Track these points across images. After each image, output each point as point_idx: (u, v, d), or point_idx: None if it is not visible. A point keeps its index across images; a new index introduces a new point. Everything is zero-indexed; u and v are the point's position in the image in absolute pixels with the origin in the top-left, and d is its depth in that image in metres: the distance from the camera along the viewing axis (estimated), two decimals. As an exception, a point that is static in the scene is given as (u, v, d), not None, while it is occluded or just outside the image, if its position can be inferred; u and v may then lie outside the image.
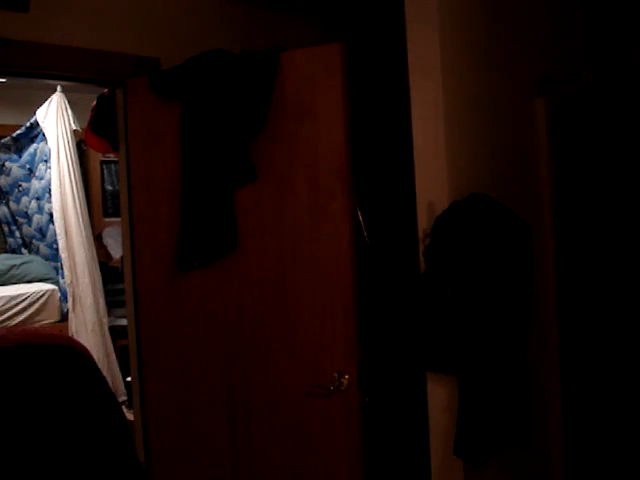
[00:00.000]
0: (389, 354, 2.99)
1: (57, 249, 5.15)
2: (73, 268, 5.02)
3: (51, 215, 5.26)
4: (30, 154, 5.47)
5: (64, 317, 5.18)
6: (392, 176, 3.10)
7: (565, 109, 2.81)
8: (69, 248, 5.03)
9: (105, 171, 6.26)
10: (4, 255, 5.67)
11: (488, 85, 2.50)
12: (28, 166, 5.51)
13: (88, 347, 4.98)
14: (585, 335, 2.79)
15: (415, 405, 2.53)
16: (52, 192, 5.12)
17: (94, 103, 3.20)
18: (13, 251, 5.76)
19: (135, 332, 2.86)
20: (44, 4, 2.50)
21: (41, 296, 5.17)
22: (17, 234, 5.74)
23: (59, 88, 5.04)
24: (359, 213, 2.44)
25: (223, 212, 2.50)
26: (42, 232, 5.56)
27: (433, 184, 2.29)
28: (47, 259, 5.57)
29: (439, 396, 2.32)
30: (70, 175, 5.07)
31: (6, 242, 5.82)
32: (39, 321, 5.13)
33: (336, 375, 2.35)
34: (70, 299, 5.01)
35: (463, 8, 2.39)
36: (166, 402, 2.74)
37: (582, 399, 2.80)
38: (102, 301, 5.13)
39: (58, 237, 5.08)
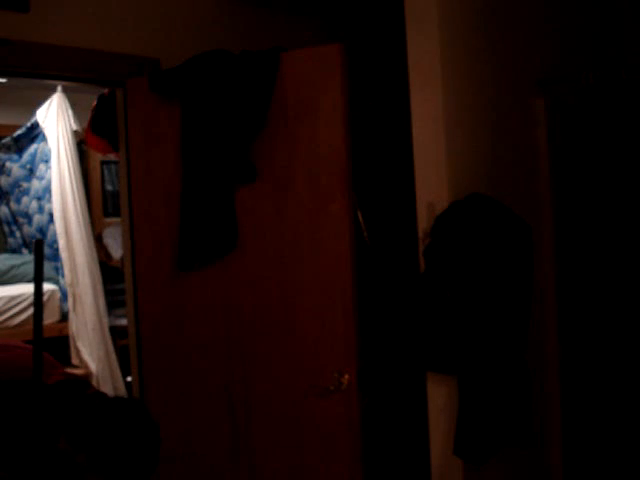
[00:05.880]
0: (389, 354, 2.99)
1: (57, 249, 5.14)
2: (73, 268, 5.01)
3: (51, 215, 5.26)
4: (30, 154, 5.46)
5: (64, 317, 5.18)
6: (392, 176, 3.10)
7: (565, 109, 2.81)
8: (69, 248, 5.03)
9: (105, 171, 6.26)
10: (4, 255, 5.67)
11: (488, 85, 2.50)
12: (29, 166, 5.50)
13: (88, 346, 5.01)
14: (585, 335, 2.79)
15: (415, 405, 2.53)
16: (52, 192, 5.12)
17: (94, 103, 3.20)
18: (14, 251, 5.76)
19: (135, 332, 2.86)
20: (44, 4, 2.51)
21: (41, 296, 5.16)
22: (18, 234, 5.73)
23: (59, 88, 5.03)
24: (359, 213, 2.45)
25: (223, 212, 2.50)
26: (42, 232, 5.55)
27: (433, 184, 2.29)
28: (47, 259, 5.56)
29: (439, 396, 2.33)
30: (70, 175, 5.06)
31: (7, 242, 5.82)
32: (39, 321, 5.13)
33: (336, 375, 2.36)
34: (70, 299, 5.01)
35: (463, 9, 2.40)
36: (166, 402, 2.74)
37: (582, 399, 2.80)
38: (102, 301, 5.13)
39: (58, 237, 5.07)
